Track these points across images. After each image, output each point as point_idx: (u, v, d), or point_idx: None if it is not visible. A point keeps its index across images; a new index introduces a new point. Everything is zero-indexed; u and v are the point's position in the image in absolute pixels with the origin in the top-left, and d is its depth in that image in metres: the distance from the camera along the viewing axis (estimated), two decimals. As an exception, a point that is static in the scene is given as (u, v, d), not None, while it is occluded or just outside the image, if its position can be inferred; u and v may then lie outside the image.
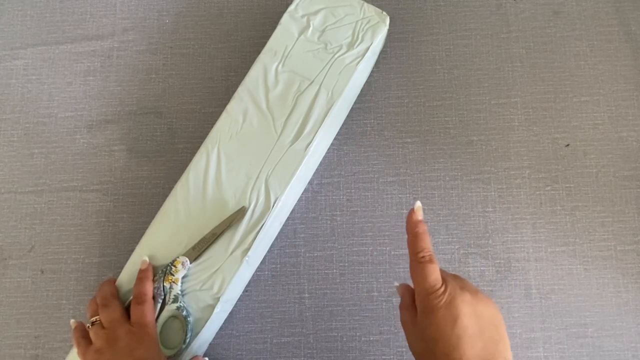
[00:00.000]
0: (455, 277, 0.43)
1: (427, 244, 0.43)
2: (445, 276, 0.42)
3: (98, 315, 0.51)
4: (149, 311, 0.50)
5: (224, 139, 0.56)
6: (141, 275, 0.52)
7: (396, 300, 0.60)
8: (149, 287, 0.51)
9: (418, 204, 0.44)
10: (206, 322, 0.51)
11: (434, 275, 0.41)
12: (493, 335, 0.40)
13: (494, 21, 0.68)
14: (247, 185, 0.55)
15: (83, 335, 0.50)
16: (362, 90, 0.66)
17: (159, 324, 0.51)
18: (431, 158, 0.64)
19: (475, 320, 0.39)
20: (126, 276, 0.54)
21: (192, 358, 0.51)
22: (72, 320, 0.52)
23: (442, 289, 0.41)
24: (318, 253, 0.62)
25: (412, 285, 0.45)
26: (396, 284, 0.47)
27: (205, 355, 0.57)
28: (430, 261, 0.42)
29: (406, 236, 0.62)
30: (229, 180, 0.55)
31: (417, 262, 0.42)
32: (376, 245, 0.62)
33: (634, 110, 0.65)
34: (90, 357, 0.48)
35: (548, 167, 0.64)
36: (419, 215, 0.44)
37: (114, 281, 0.54)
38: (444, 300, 0.40)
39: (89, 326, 0.51)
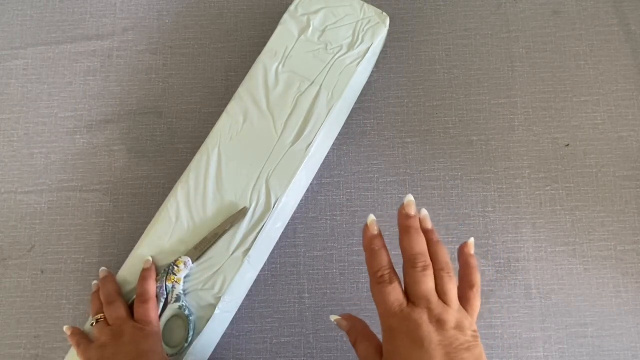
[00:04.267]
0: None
1: (385, 260, 0.40)
2: (417, 301, 0.39)
3: (102, 312, 0.51)
4: (152, 309, 0.50)
5: (225, 139, 0.56)
6: (145, 275, 0.52)
7: (396, 300, 0.60)
8: (152, 286, 0.51)
9: (372, 217, 0.42)
10: (208, 321, 0.51)
11: (394, 295, 0.39)
12: None
13: (494, 21, 0.68)
14: (248, 185, 0.55)
15: (82, 337, 0.51)
16: (362, 91, 0.66)
17: (161, 324, 0.51)
18: (431, 158, 0.64)
19: (444, 349, 0.37)
20: (125, 276, 0.54)
21: None
22: (65, 327, 0.52)
23: (406, 311, 0.38)
24: (318, 253, 0.62)
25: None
26: (334, 317, 0.44)
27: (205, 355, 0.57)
28: (390, 281, 0.39)
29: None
30: (229, 180, 0.55)
31: (376, 282, 0.40)
32: (376, 245, 0.62)
33: (634, 110, 0.65)
34: (93, 353, 0.48)
35: (548, 167, 0.64)
36: (374, 229, 0.41)
37: (115, 278, 0.54)
38: (407, 324, 0.38)
39: (93, 323, 0.51)
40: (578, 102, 0.66)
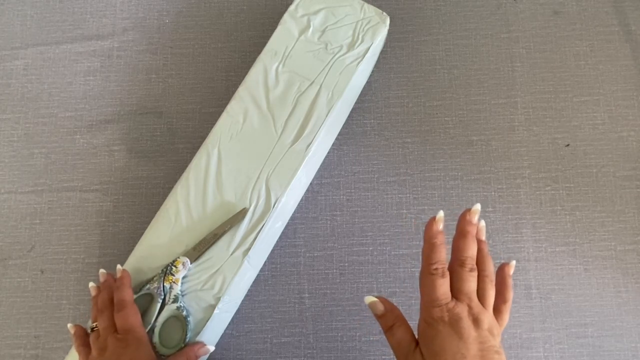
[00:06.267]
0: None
1: (443, 256, 0.42)
2: (460, 297, 0.41)
3: (97, 321, 0.51)
4: (131, 316, 0.49)
5: (225, 139, 0.56)
6: (118, 284, 0.51)
7: (397, 300, 0.60)
8: (127, 293, 0.50)
9: (441, 213, 0.44)
10: (207, 321, 0.51)
11: (443, 288, 0.41)
12: None
13: (494, 21, 0.68)
14: (248, 185, 0.55)
15: (83, 343, 0.50)
16: (362, 90, 0.66)
17: (158, 324, 0.51)
18: (431, 158, 0.64)
19: (479, 345, 0.39)
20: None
21: (196, 343, 0.51)
22: (69, 325, 0.52)
23: (450, 305, 0.41)
24: (318, 253, 0.62)
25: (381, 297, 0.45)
26: (370, 299, 0.45)
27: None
28: (442, 275, 0.41)
29: (407, 236, 0.62)
30: (229, 180, 0.55)
31: (429, 273, 0.42)
32: (376, 245, 0.62)
33: (634, 110, 0.65)
34: None
35: (548, 167, 0.64)
36: (440, 225, 0.43)
37: (109, 289, 0.53)
38: (449, 315, 0.40)
39: (88, 328, 0.51)
40: (578, 102, 0.66)
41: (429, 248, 0.43)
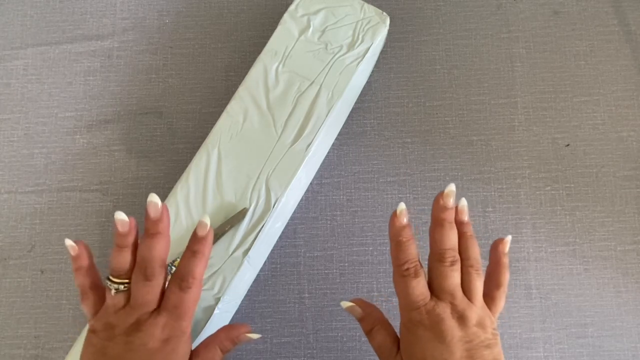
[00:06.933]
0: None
1: (412, 253, 0.38)
2: (441, 295, 0.37)
3: (128, 279, 0.36)
4: (193, 300, 0.36)
5: (224, 139, 0.56)
6: (196, 248, 0.36)
7: (397, 300, 0.60)
8: (201, 267, 0.36)
9: (402, 206, 0.39)
10: (207, 321, 0.51)
11: (418, 289, 0.37)
12: None
13: (494, 21, 0.68)
14: (248, 185, 0.55)
15: (93, 285, 0.37)
16: (362, 90, 0.66)
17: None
18: (431, 158, 0.64)
19: (465, 345, 0.36)
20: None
21: (235, 325, 0.42)
22: (68, 242, 0.37)
23: (430, 305, 0.37)
24: (318, 253, 0.62)
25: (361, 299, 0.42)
26: (346, 304, 0.41)
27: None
28: (415, 275, 0.38)
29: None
30: (229, 180, 0.55)
31: (401, 275, 0.38)
32: (376, 245, 0.62)
33: (634, 110, 0.65)
34: (94, 336, 0.36)
35: (548, 167, 0.64)
36: (403, 219, 0.38)
37: (169, 231, 0.38)
38: (429, 317, 0.37)
39: (109, 287, 0.36)
40: (578, 102, 0.66)
41: (395, 247, 0.39)
